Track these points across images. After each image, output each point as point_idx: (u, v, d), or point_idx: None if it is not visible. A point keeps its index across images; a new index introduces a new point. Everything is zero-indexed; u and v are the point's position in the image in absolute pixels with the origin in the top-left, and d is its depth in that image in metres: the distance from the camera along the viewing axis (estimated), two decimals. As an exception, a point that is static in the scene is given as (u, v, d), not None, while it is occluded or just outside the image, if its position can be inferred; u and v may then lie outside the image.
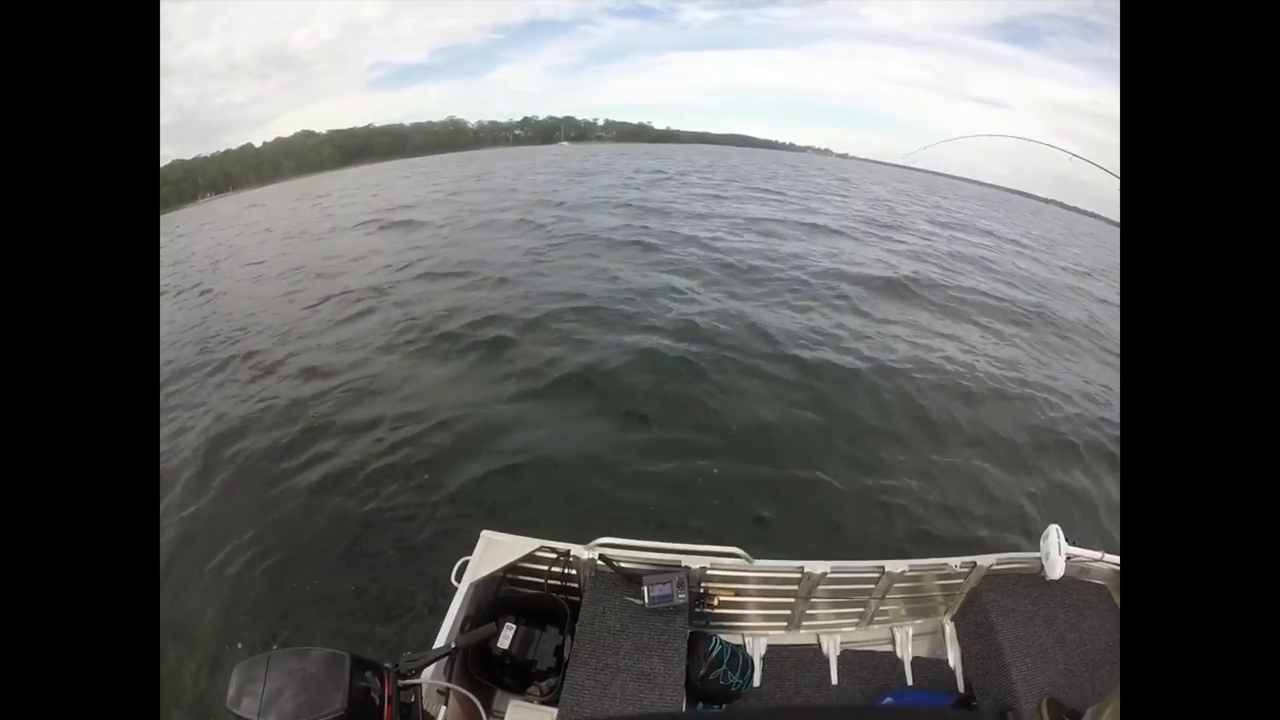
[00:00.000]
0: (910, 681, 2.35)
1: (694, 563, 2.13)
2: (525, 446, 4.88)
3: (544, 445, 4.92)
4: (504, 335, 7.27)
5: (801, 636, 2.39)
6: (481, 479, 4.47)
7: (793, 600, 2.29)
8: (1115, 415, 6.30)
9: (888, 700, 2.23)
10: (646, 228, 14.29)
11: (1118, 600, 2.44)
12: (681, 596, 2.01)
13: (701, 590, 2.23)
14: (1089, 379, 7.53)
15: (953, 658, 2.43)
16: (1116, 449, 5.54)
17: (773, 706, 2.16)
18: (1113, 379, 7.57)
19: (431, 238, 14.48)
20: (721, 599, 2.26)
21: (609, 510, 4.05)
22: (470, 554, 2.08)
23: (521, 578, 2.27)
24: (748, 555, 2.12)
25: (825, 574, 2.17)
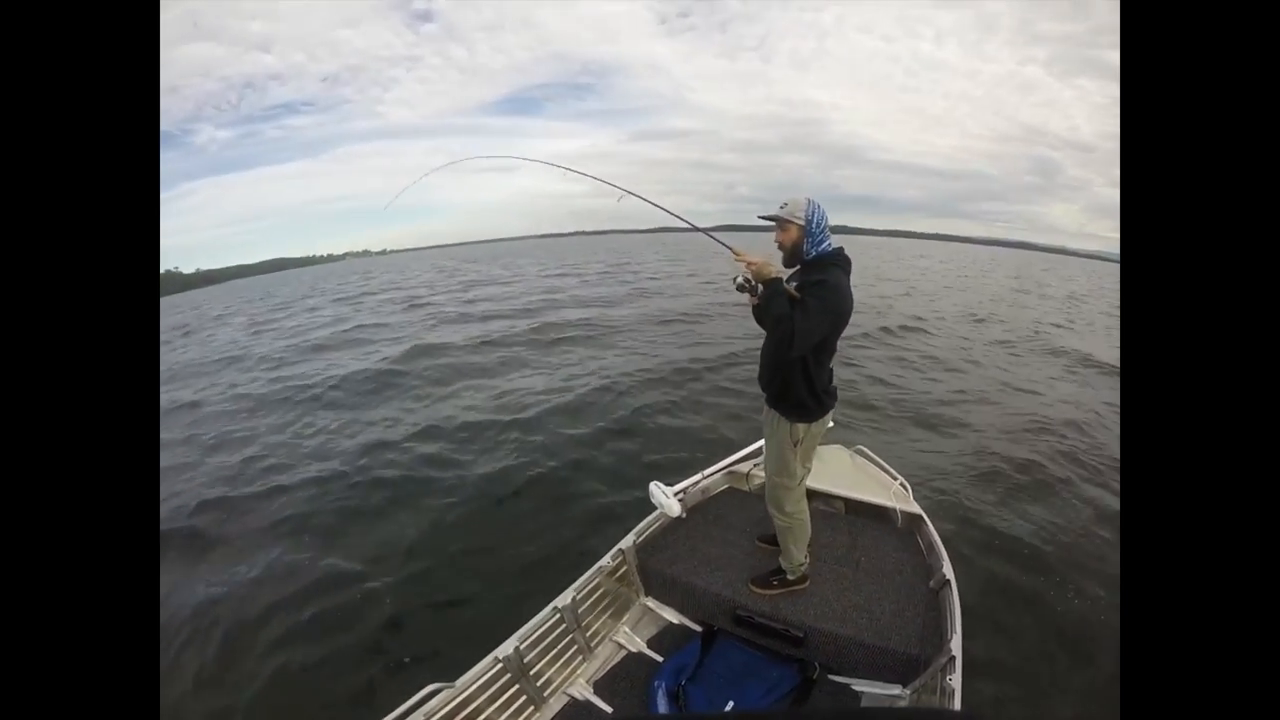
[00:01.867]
0: (661, 659, 2.38)
1: None
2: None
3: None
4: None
5: (555, 704, 2.24)
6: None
7: (518, 686, 2.15)
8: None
9: (658, 684, 2.20)
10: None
11: (744, 488, 3.19)
12: None
13: None
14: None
15: (672, 617, 2.64)
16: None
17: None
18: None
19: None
20: None
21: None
22: None
23: None
24: (448, 683, 1.93)
25: (519, 648, 2.08)
